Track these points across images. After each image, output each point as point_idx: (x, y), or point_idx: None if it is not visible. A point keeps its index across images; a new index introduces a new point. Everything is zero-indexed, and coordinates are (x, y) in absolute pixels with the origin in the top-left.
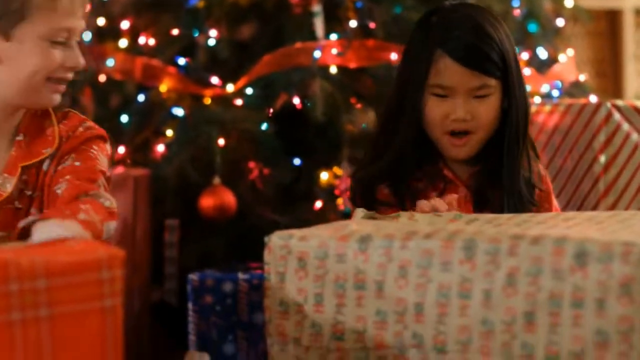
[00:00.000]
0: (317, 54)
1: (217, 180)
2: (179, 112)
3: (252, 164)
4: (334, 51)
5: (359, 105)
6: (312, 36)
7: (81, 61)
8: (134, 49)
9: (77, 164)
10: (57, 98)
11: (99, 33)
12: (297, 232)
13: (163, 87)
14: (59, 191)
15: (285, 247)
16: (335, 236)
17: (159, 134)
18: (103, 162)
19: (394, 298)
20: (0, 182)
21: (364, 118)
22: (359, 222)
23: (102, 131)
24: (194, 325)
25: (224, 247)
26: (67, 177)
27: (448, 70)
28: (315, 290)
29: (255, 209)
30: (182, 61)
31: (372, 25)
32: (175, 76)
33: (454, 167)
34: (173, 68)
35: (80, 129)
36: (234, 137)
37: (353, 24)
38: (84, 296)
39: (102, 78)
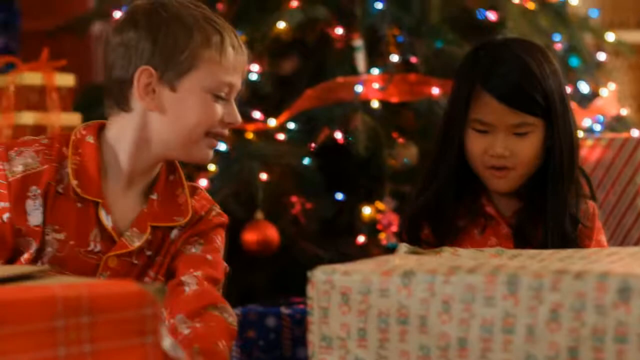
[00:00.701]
0: (359, 88)
1: (259, 214)
2: (221, 146)
3: (294, 199)
4: (376, 85)
5: (400, 140)
6: (354, 71)
7: (239, 119)
8: None
9: (208, 257)
10: (211, 154)
11: None
12: (340, 267)
13: None
14: (187, 288)
15: (328, 282)
16: (378, 271)
17: (202, 169)
18: (222, 255)
19: (438, 333)
20: (129, 234)
21: (406, 152)
22: (402, 256)
23: (227, 219)
24: None
25: (266, 281)
26: (198, 273)
27: (487, 107)
28: (358, 325)
29: (297, 244)
30: None
31: (413, 59)
32: None
33: (497, 203)
34: None
35: (213, 213)
36: (276, 172)
37: (395, 58)
38: (126, 332)
39: None
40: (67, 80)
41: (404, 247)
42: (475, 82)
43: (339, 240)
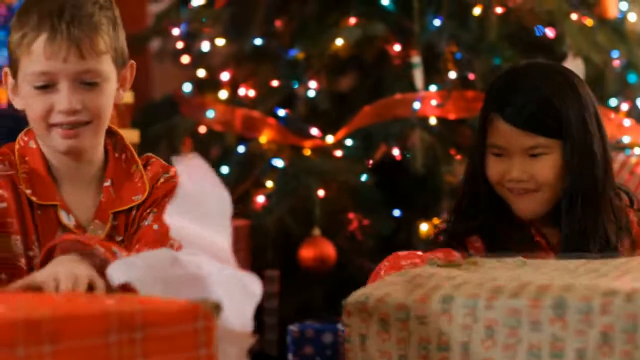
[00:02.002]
0: (416, 105)
1: (317, 231)
2: (278, 163)
3: (351, 215)
4: (434, 102)
5: (458, 157)
6: (411, 87)
7: (69, 105)
8: (234, 100)
9: (155, 227)
10: (70, 143)
11: (199, 84)
12: (373, 292)
13: (263, 138)
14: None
15: (363, 309)
16: (415, 297)
17: (259, 185)
18: None
19: (481, 359)
20: (93, 228)
21: (463, 169)
22: (427, 269)
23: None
24: None
25: (323, 298)
26: (138, 245)
27: (500, 131)
28: (399, 352)
29: (354, 260)
30: (281, 112)
31: (471, 76)
32: (275, 127)
33: (545, 232)
34: (273, 119)
35: (162, 179)
36: (333, 188)
37: (452, 75)
38: (179, 346)
39: (202, 129)
40: (125, 97)
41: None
42: (490, 107)
43: None
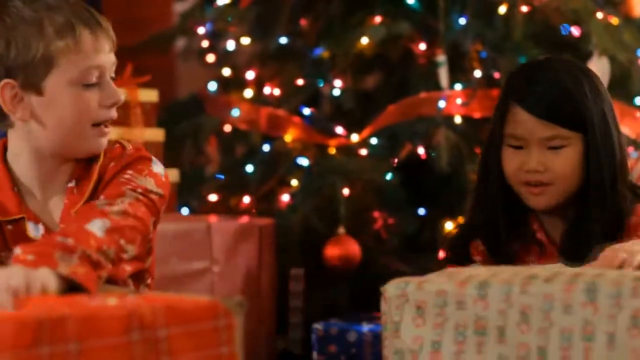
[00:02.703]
0: (441, 103)
1: (341, 229)
2: (303, 162)
3: (376, 214)
4: (459, 101)
5: None
6: (436, 86)
7: (120, 96)
8: (259, 99)
9: (100, 198)
10: (104, 142)
11: (224, 83)
12: (413, 280)
13: (288, 137)
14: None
15: (402, 296)
16: (453, 282)
17: (284, 184)
18: (140, 181)
19: (516, 343)
20: None
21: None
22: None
23: (138, 154)
24: None
25: (348, 296)
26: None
27: (520, 120)
28: (433, 338)
29: (379, 259)
30: (307, 111)
31: (496, 75)
32: (300, 126)
33: (547, 228)
34: (298, 118)
35: (112, 163)
36: (358, 187)
37: (478, 73)
38: (201, 344)
39: (227, 128)
40: (150, 96)
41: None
42: (509, 98)
43: (421, 255)
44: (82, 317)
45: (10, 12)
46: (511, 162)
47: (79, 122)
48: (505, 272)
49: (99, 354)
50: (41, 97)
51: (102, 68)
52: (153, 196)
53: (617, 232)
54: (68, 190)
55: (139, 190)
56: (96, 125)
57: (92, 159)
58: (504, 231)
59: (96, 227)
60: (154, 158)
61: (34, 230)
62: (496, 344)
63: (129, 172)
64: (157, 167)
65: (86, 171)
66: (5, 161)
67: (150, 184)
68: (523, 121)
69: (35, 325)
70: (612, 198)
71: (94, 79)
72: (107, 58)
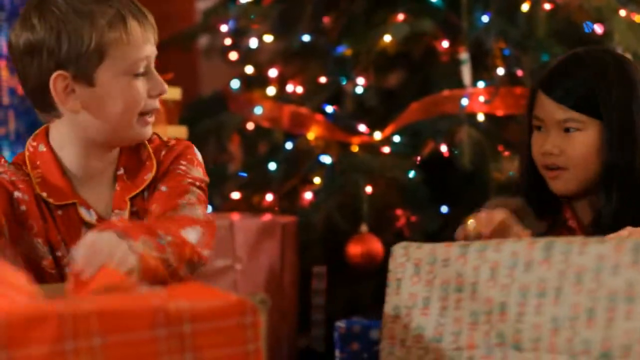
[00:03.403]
0: (464, 101)
1: (364, 227)
2: (326, 159)
3: (399, 212)
4: (482, 99)
5: (506, 153)
6: (459, 84)
7: (165, 87)
8: (282, 97)
9: (163, 188)
10: (148, 131)
11: (247, 81)
12: (418, 243)
13: (311, 135)
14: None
15: (405, 254)
16: (444, 244)
17: (307, 182)
18: (195, 172)
19: (484, 298)
20: (114, 217)
21: (512, 166)
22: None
23: (183, 144)
24: None
25: (371, 294)
26: (154, 205)
27: (539, 103)
28: (423, 295)
29: None
30: (329, 109)
31: (519, 72)
32: (323, 124)
33: (579, 214)
34: (320, 116)
35: (164, 151)
36: (381, 185)
37: (500, 71)
38: (227, 341)
39: (250, 126)
40: (173, 93)
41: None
42: (536, 84)
43: None
44: (105, 312)
45: (59, 5)
46: (535, 143)
47: (127, 112)
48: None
49: (123, 349)
50: (92, 88)
51: (149, 58)
52: (204, 185)
53: None
54: (119, 177)
55: (197, 183)
56: (142, 114)
57: (138, 147)
58: (536, 214)
59: (192, 236)
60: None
61: (87, 215)
62: (470, 301)
63: (182, 162)
64: (199, 154)
65: (134, 159)
66: (51, 149)
67: (199, 172)
68: (543, 103)
69: (58, 320)
70: (636, 184)
71: (142, 69)
72: (153, 49)
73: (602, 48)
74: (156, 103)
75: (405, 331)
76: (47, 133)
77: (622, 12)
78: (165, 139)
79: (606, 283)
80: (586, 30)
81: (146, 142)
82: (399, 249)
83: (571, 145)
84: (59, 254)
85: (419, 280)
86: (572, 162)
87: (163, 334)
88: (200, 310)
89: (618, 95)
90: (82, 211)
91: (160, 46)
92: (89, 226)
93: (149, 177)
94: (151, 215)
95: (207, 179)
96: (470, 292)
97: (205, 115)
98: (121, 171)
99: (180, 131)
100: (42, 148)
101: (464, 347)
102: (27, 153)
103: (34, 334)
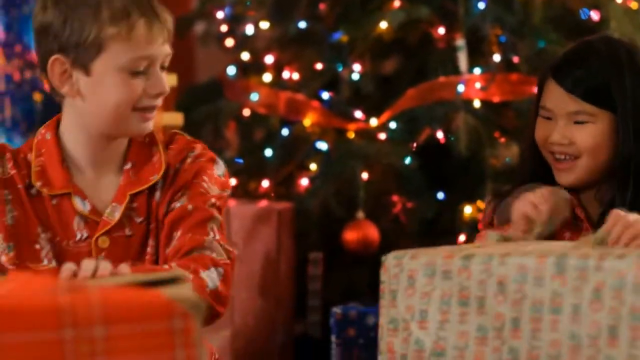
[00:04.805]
0: (460, 88)
1: (360, 214)
2: (322, 146)
3: (395, 198)
4: (478, 85)
5: (502, 140)
6: (455, 70)
7: (165, 88)
8: (278, 84)
9: (189, 207)
10: (147, 126)
11: (243, 67)
12: (410, 251)
13: (307, 122)
14: (174, 242)
15: (398, 265)
16: (442, 254)
17: (303, 168)
18: (214, 191)
19: (493, 313)
20: (109, 211)
21: (508, 152)
22: (490, 243)
23: (209, 156)
24: (338, 358)
25: (367, 280)
26: (180, 230)
27: (549, 92)
28: (420, 307)
29: (398, 243)
30: (325, 95)
31: (515, 59)
32: (319, 110)
33: (587, 207)
34: (317, 102)
35: (189, 160)
36: (377, 171)
37: (497, 58)
38: (150, 346)
39: (246, 112)
40: (169, 80)
41: (494, 235)
42: (547, 70)
43: (440, 239)
44: (3, 309)
45: None
46: (539, 131)
47: (120, 106)
48: (490, 246)
49: (22, 351)
50: (88, 77)
51: (152, 58)
52: (221, 202)
53: None
54: (125, 172)
55: (217, 203)
56: (140, 110)
57: (151, 145)
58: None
59: (212, 277)
60: (217, 157)
61: (81, 206)
62: (476, 315)
63: (205, 178)
64: (221, 168)
65: (143, 156)
66: (57, 136)
67: (216, 190)
68: (553, 93)
69: None
70: None
71: (141, 68)
72: (160, 50)
73: (614, 37)
74: (155, 101)
75: (405, 346)
76: (57, 122)
77: None
78: (188, 139)
79: (627, 301)
80: (582, 17)
81: (159, 140)
82: (391, 260)
83: (580, 136)
84: (57, 239)
85: (413, 292)
86: (582, 153)
87: (70, 336)
88: (116, 311)
89: (632, 84)
90: (76, 201)
91: None
92: (82, 217)
93: (154, 178)
94: (176, 244)
95: (226, 192)
96: (477, 307)
97: (201, 102)
98: (128, 165)
99: (176, 118)
100: (48, 136)
101: None
102: (35, 140)
103: None
